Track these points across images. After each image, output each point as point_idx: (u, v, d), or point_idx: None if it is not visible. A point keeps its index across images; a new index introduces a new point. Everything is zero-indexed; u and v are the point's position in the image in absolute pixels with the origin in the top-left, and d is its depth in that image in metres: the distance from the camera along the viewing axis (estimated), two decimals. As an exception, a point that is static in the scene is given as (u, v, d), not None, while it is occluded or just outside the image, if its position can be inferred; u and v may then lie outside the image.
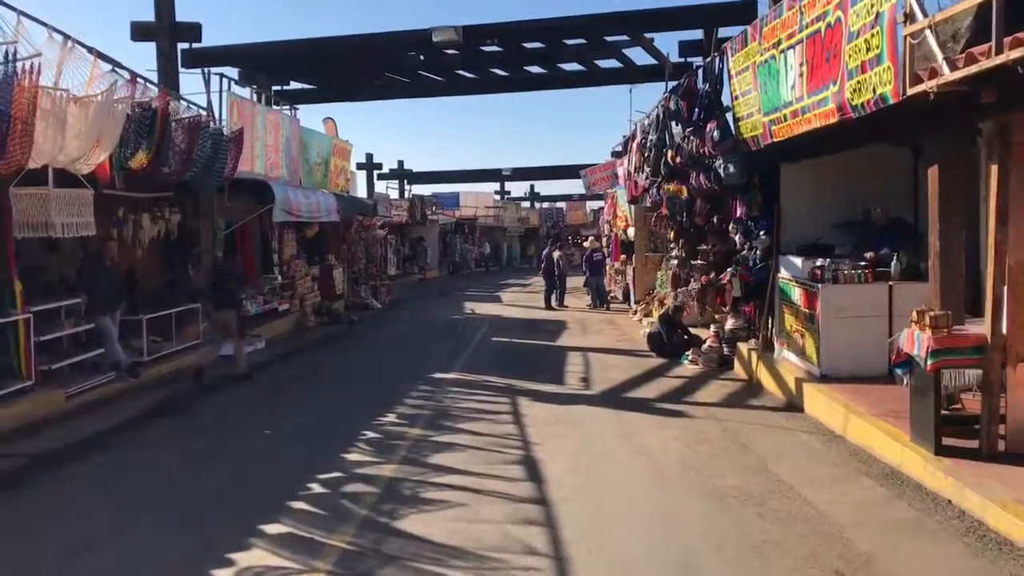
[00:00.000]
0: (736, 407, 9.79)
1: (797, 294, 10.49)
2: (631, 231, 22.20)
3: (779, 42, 9.01)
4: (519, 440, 8.26)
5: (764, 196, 11.55)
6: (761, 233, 11.58)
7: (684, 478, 6.92)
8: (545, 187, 60.05)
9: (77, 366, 11.01)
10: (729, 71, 11.20)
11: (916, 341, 6.86)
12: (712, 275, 14.95)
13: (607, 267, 24.53)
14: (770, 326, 11.59)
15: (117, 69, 10.48)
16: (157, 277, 14.23)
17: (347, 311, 22.15)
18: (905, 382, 7.24)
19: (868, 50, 6.86)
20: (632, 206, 21.32)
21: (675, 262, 16.88)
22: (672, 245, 17.35)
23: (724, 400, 10.23)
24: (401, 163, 41.03)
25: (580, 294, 25.28)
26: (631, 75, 18.73)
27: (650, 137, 16.33)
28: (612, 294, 24.09)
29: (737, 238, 12.40)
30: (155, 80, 13.59)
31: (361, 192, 31.65)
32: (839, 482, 6.76)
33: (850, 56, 7.22)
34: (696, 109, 12.54)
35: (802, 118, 8.62)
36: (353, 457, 7.71)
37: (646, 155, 16.51)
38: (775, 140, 9.72)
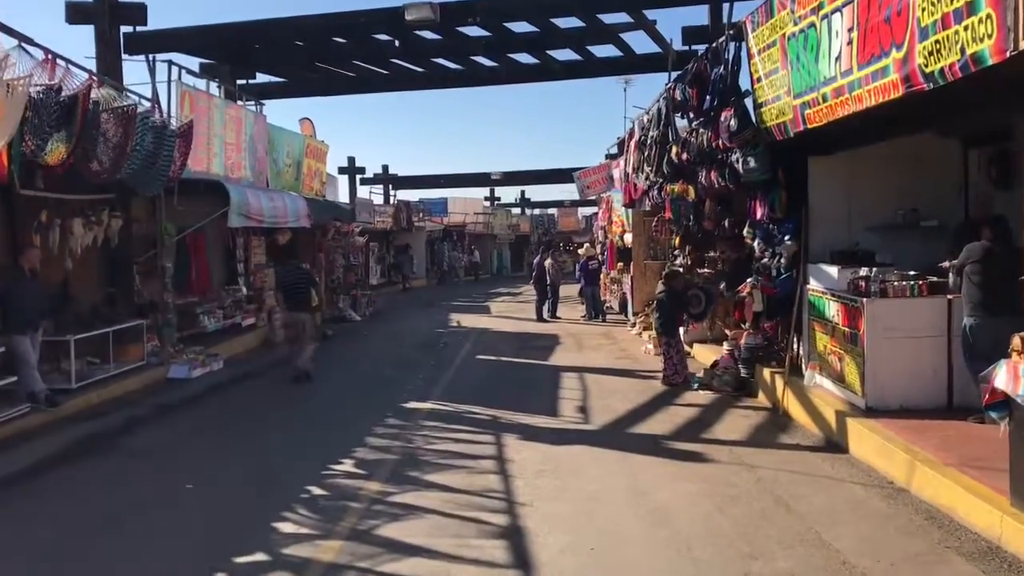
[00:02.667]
0: (766, 447, 8.13)
1: (833, 309, 8.88)
2: (628, 237, 20.60)
3: (820, 5, 7.40)
4: (503, 499, 6.55)
5: (789, 195, 9.94)
6: (786, 238, 9.96)
7: (719, 558, 5.25)
8: (536, 193, 58.75)
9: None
10: (749, 49, 9.61)
11: (1022, 377, 5.24)
12: (723, 285, 13.35)
13: (603, 276, 22.89)
14: (797, 346, 9.97)
15: (24, 45, 8.82)
16: (95, 291, 12.52)
17: (322, 324, 20.49)
18: (1003, 428, 5.61)
19: (955, -1, 5.24)
20: (629, 210, 19.76)
21: (680, 270, 15.22)
22: (676, 252, 15.73)
23: (750, 437, 8.58)
24: (386, 167, 39.33)
25: (574, 304, 23.70)
26: (630, 64, 17.01)
27: (651, 133, 14.80)
28: (608, 304, 22.47)
29: (756, 244, 10.78)
30: (92, 68, 11.92)
31: (343, 197, 29.94)
32: (923, 563, 5.12)
33: (924, 10, 5.60)
34: (707, 97, 10.93)
35: (849, 96, 7.01)
36: (286, 528, 5.98)
37: (646, 154, 14.95)
38: (808, 127, 8.14)
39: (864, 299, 8.13)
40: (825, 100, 7.56)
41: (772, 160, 9.74)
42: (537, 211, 59.17)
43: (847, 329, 8.51)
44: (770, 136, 9.23)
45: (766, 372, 10.34)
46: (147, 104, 12.16)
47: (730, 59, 10.36)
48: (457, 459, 7.83)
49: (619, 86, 26.46)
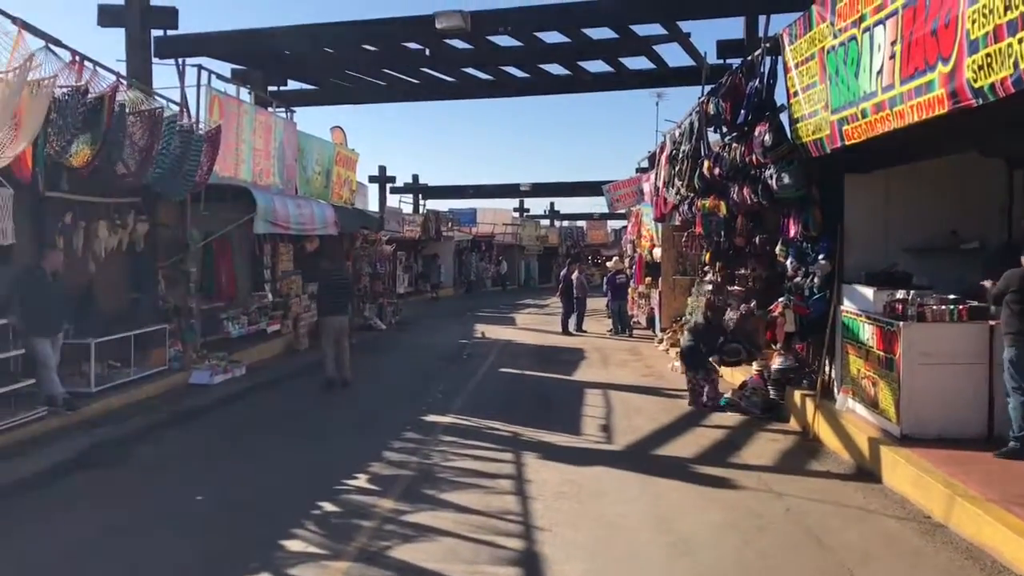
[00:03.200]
0: (795, 473, 7.83)
1: (868, 332, 8.56)
2: (657, 252, 20.31)
3: (862, 18, 7.13)
4: (520, 522, 6.32)
5: (824, 213, 9.65)
6: (819, 257, 9.66)
7: (744, 595, 4.99)
8: (565, 205, 58.33)
9: (3, 399, 9.20)
10: (786, 63, 9.36)
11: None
12: (753, 303, 13.04)
13: (631, 290, 22.59)
14: (829, 369, 9.66)
15: (52, 47, 8.77)
16: (119, 294, 12.46)
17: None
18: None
19: (1009, 9, 4.96)
20: (659, 224, 19.48)
21: (709, 287, 14.92)
22: (706, 268, 15.43)
23: (778, 462, 8.28)
24: (416, 177, 39.24)
25: (600, 317, 23.43)
26: (662, 77, 16.76)
27: (683, 147, 14.57)
28: (635, 319, 22.16)
29: (788, 262, 10.47)
30: (121, 71, 11.90)
31: (373, 206, 29.92)
32: (963, 608, 4.83)
33: (974, 22, 5.33)
34: (742, 111, 10.69)
35: (890, 112, 6.72)
36: (294, 546, 5.78)
37: (677, 168, 14.71)
38: (846, 143, 7.85)
39: (901, 323, 7.83)
40: (864, 116, 7.28)
41: (807, 177, 9.47)
42: (566, 223, 58.94)
43: (882, 353, 8.20)
44: (805, 152, 8.96)
45: (797, 395, 10.03)
46: (175, 108, 12.12)
47: (766, 72, 10.12)
48: (475, 477, 7.59)
49: (651, 99, 26.29)
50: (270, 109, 16.75)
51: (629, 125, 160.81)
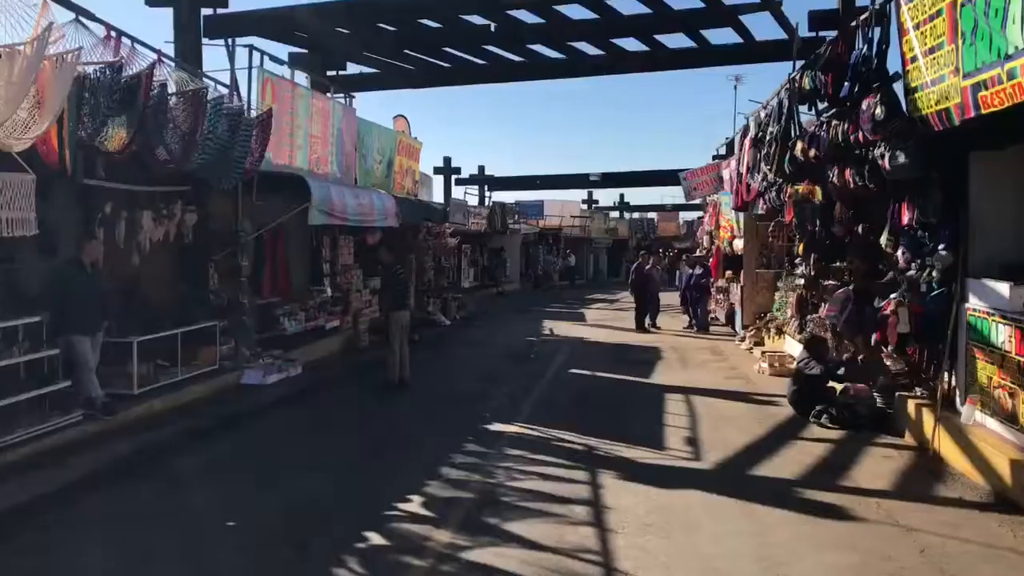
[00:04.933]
0: (921, 501, 6.65)
1: (1002, 335, 7.31)
2: (738, 243, 19.03)
3: (1013, -46, 5.91)
4: (599, 563, 5.28)
5: (945, 196, 8.39)
6: (939, 247, 8.40)
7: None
8: (635, 196, 56.95)
9: (37, 402, 8.52)
10: (901, 23, 8.11)
11: None
12: (851, 303, 11.78)
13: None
14: (950, 375, 8.40)
15: (83, 20, 8.03)
16: (166, 289, 11.77)
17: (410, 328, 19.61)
18: None
19: None
20: (740, 214, 18.22)
21: (801, 281, 13.68)
22: (798, 260, 14.17)
23: (899, 486, 7.08)
24: (482, 168, 38.35)
25: (674, 313, 22.23)
26: (746, 53, 15.35)
27: (770, 129, 13.36)
28: (713, 315, 20.91)
29: (900, 253, 9.22)
30: (170, 54, 11.21)
31: (438, 198, 29.15)
32: None
33: None
34: (845, 83, 9.48)
35: (1051, 69, 5.51)
36: (329, 595, 4.89)
37: (764, 151, 13.49)
38: (982, 112, 6.62)
39: (1050, 324, 6.60)
40: (1012, 78, 6.06)
41: (925, 155, 8.23)
42: (636, 215, 57.55)
43: (1022, 359, 6.96)
44: (925, 126, 7.72)
45: (911, 404, 8.80)
46: (224, 90, 11.37)
47: (874, 39, 8.91)
48: (545, 502, 6.58)
49: (728, 83, 24.91)
50: (328, 95, 15.96)
51: (705, 110, 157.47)
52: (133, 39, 8.97)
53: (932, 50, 7.38)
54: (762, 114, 14.88)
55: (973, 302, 8.00)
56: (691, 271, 21.01)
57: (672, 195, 46.19)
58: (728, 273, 20.33)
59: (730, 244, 20.07)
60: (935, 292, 8.47)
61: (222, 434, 9.11)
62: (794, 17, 13.76)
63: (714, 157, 25.26)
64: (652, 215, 57.26)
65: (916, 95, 7.80)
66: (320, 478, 7.35)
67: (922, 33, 7.56)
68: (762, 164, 13.87)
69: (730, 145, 24.51)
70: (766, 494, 6.76)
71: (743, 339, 16.92)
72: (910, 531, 5.87)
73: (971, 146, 8.19)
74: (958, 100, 6.90)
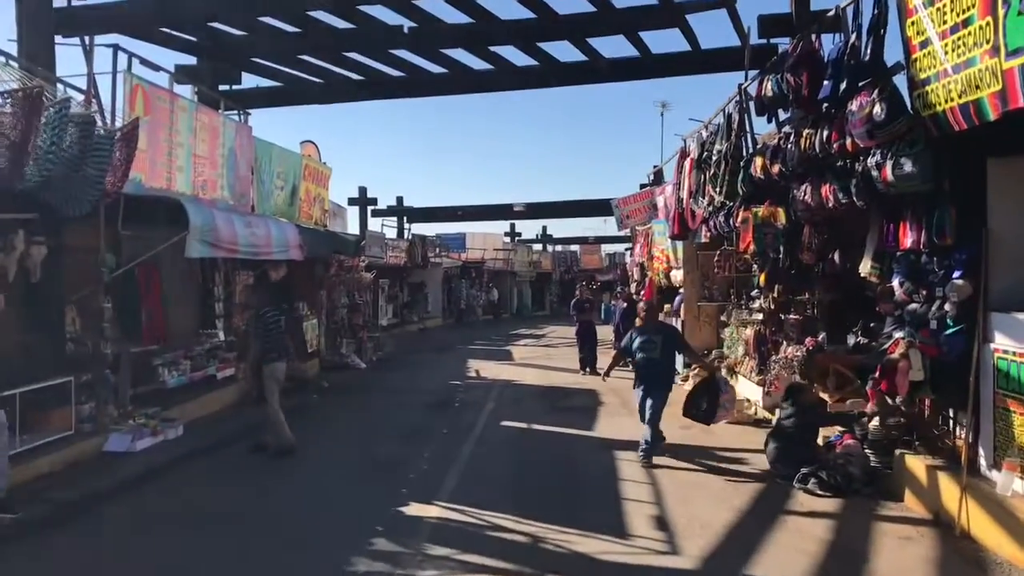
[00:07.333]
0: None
1: (1048, 383, 5.82)
2: (676, 274, 17.54)
3: None
4: None
5: (959, 213, 6.92)
6: (954, 275, 6.90)
7: None
8: (558, 228, 55.73)
9: None
10: (903, 3, 6.66)
11: None
12: (821, 336, 10.29)
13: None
14: (970, 432, 6.87)
15: None
16: (7, 339, 9.57)
17: (320, 373, 17.54)
18: None
19: None
20: (679, 243, 16.72)
21: (759, 316, 12.18)
22: (755, 293, 12.71)
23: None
24: (400, 199, 36.30)
25: (606, 347, 20.59)
26: (694, 62, 13.75)
27: (716, 148, 11.98)
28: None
29: (896, 283, 7.71)
30: (11, 53, 9.15)
31: (353, 230, 27.07)
32: None
33: None
34: (825, 81, 8.01)
35: None
36: None
37: (711, 172, 12.05)
38: (1030, 103, 5.15)
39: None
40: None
41: (937, 163, 6.76)
42: (559, 247, 56.34)
43: (1079, 415, 5.46)
44: (940, 126, 6.26)
45: (917, 465, 7.27)
46: (78, 95, 9.34)
47: (864, 23, 7.48)
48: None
49: (654, 109, 23.84)
50: (220, 111, 13.95)
51: (630, 141, 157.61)
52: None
53: (955, 28, 5.90)
54: (704, 133, 13.50)
55: (1001, 341, 6.52)
56: (623, 304, 19.52)
57: (593, 228, 45.01)
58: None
59: (666, 276, 18.57)
60: (950, 330, 6.96)
61: (49, 530, 6.94)
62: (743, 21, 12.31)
63: (642, 186, 24.01)
64: (575, 247, 56.09)
65: (927, 88, 6.35)
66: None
67: (939, 9, 6.08)
68: (708, 187, 12.43)
69: (659, 173, 23.30)
70: (778, 610, 5.04)
71: (686, 378, 15.33)
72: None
73: (988, 151, 6.78)
74: (998, 87, 5.41)
